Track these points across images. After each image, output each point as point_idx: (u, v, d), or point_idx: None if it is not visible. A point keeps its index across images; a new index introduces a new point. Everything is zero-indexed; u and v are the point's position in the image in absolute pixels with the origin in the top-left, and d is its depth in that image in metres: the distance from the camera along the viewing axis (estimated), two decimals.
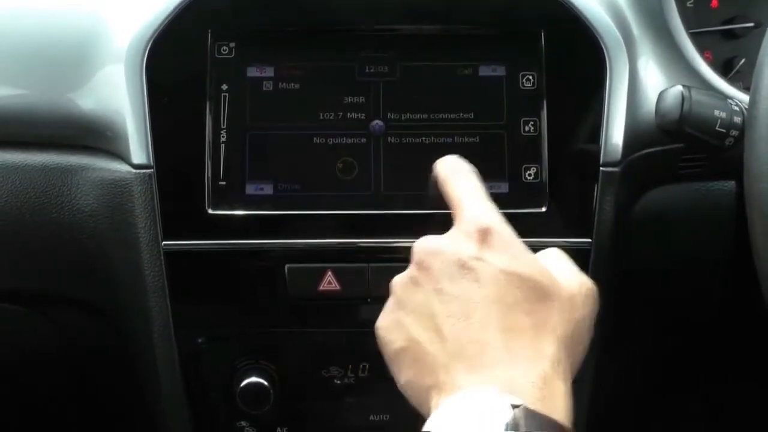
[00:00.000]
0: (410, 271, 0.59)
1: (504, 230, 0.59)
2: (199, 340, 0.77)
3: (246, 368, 0.77)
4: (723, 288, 0.84)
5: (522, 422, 0.47)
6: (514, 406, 0.48)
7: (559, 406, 0.51)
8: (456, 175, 0.65)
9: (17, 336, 0.87)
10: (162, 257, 0.73)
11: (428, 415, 0.53)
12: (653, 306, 0.84)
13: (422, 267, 0.57)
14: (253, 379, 0.76)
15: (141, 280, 0.74)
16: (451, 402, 0.51)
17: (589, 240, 0.74)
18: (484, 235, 0.57)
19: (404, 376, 0.57)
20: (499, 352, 0.53)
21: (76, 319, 0.84)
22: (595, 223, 0.74)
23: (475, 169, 0.65)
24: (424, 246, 0.59)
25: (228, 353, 0.77)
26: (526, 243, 0.72)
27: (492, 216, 0.59)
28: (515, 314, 0.54)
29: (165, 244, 0.73)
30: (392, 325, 0.58)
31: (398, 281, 0.60)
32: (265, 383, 0.76)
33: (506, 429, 0.47)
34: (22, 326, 0.86)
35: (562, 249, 0.73)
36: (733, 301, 0.84)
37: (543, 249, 0.73)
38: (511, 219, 0.72)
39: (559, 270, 0.59)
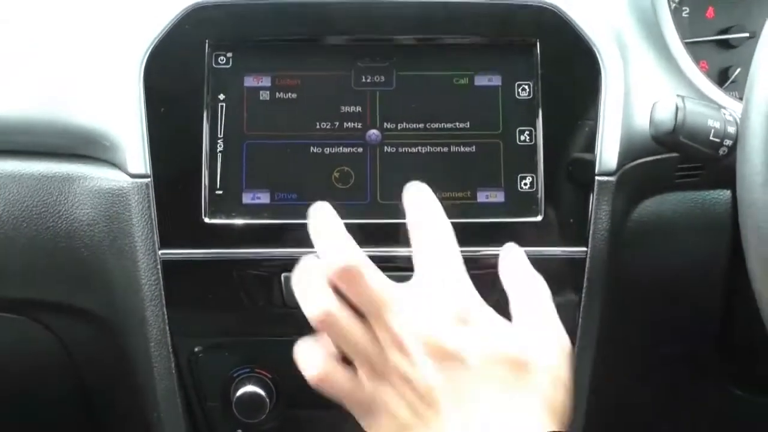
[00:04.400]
0: (392, 358, 0.58)
1: (481, 308, 0.60)
2: (196, 349, 0.77)
3: (242, 377, 0.77)
4: (718, 295, 0.84)
5: None
6: None
7: None
8: (431, 218, 0.63)
9: (13, 344, 0.87)
10: (159, 266, 0.73)
11: None
12: (649, 314, 0.84)
13: (406, 355, 0.57)
14: (250, 388, 0.76)
15: (138, 288, 0.74)
16: None
17: (585, 249, 0.74)
18: (464, 318, 0.58)
19: None
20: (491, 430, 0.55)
21: (72, 328, 0.84)
22: (591, 233, 0.74)
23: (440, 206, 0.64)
24: (402, 330, 0.57)
25: (224, 362, 0.77)
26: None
27: (470, 295, 0.60)
28: (502, 390, 0.57)
29: (162, 253, 0.73)
30: (381, 411, 0.58)
31: (379, 366, 0.58)
32: (262, 392, 0.76)
33: None
34: (17, 334, 0.86)
35: (558, 258, 0.74)
36: (728, 309, 0.84)
37: (539, 259, 0.74)
38: (507, 228, 0.73)
39: (539, 336, 0.60)
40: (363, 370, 0.59)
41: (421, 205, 0.64)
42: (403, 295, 0.59)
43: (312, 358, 0.60)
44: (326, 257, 0.59)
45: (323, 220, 0.62)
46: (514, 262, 0.66)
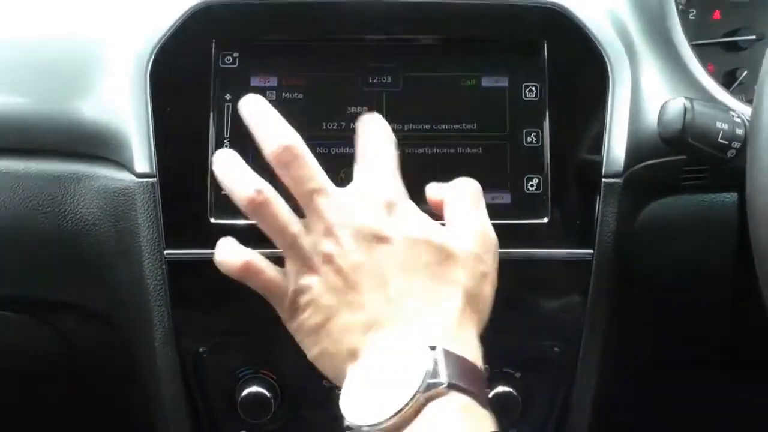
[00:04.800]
0: (319, 243, 0.60)
1: (407, 203, 0.63)
2: (201, 350, 0.77)
3: (247, 378, 0.77)
4: (725, 298, 0.84)
5: (441, 361, 0.53)
6: (432, 348, 0.54)
7: (469, 349, 0.57)
8: (374, 134, 0.66)
9: (18, 343, 0.86)
10: (164, 266, 0.73)
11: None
12: (655, 315, 0.84)
13: (333, 237, 0.60)
14: (255, 388, 0.76)
15: (143, 288, 0.74)
16: (370, 360, 0.56)
17: (591, 251, 0.74)
18: (390, 207, 0.61)
19: (317, 348, 0.60)
20: (411, 312, 0.58)
21: (77, 327, 0.84)
22: (597, 234, 0.74)
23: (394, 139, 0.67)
24: (332, 214, 0.60)
25: (229, 363, 0.77)
26: (528, 254, 0.74)
27: (397, 191, 0.63)
28: (424, 275, 0.59)
29: (167, 253, 0.73)
30: (306, 303, 0.61)
31: (307, 252, 0.61)
32: (267, 393, 0.76)
33: (426, 376, 0.53)
34: (23, 334, 0.86)
35: (564, 260, 0.74)
36: (735, 311, 0.84)
37: (545, 260, 0.74)
38: (513, 229, 0.73)
39: (463, 229, 0.63)
40: (289, 258, 0.61)
41: (371, 127, 0.67)
42: (336, 188, 0.62)
43: (234, 249, 0.63)
44: (266, 140, 0.62)
45: (258, 107, 0.64)
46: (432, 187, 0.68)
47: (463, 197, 0.65)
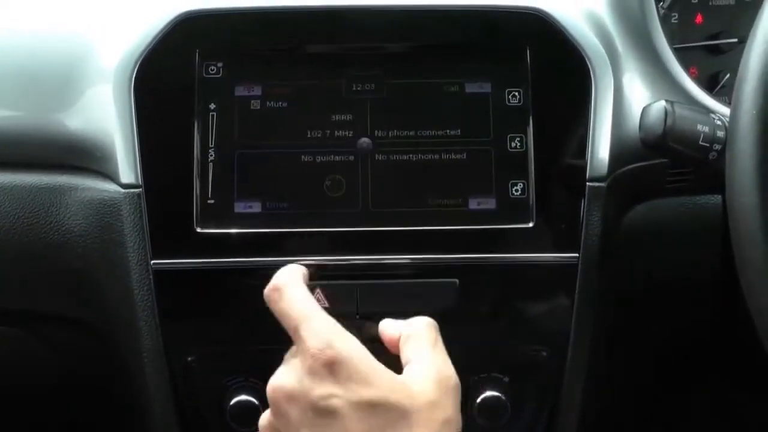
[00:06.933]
0: (270, 417, 0.59)
1: (349, 354, 0.57)
2: (189, 359, 0.77)
3: (236, 386, 0.77)
4: (712, 299, 0.84)
5: None
6: None
7: None
8: (288, 290, 0.62)
9: (6, 356, 0.86)
10: (151, 276, 0.73)
11: None
12: (642, 319, 0.84)
13: (280, 414, 0.58)
14: (244, 397, 0.76)
15: (130, 298, 0.74)
16: None
17: (577, 255, 0.74)
18: (331, 368, 0.56)
19: None
20: None
21: (66, 338, 0.84)
22: (582, 238, 0.74)
23: (305, 271, 0.65)
24: (276, 390, 0.58)
25: (218, 371, 0.77)
26: (513, 258, 0.74)
27: (334, 340, 0.57)
28: None
29: (154, 263, 0.73)
30: None
31: (262, 426, 0.60)
32: (256, 401, 0.76)
33: None
34: (11, 345, 0.86)
35: (550, 264, 0.75)
36: (722, 313, 0.85)
37: (531, 265, 0.74)
38: (499, 235, 0.74)
39: (420, 374, 0.59)
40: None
41: (283, 295, 0.63)
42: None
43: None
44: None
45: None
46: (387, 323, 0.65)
47: (420, 335, 0.62)
